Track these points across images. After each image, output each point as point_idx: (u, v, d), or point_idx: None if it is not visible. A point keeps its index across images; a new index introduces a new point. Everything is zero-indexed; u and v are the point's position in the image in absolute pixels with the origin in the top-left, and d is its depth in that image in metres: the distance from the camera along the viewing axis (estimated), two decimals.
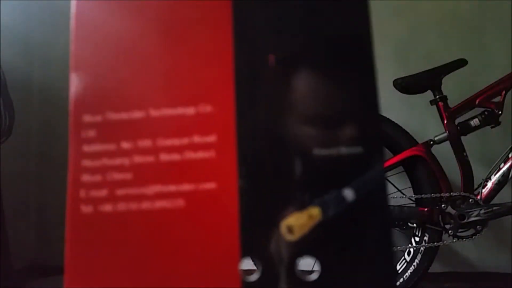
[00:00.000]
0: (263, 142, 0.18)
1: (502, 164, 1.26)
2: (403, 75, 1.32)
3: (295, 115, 0.18)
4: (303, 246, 0.17)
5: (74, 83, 0.19)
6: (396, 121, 1.30)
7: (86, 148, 0.18)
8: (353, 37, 0.19)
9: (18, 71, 1.75)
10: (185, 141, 0.18)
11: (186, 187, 0.18)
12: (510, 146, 1.26)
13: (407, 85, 1.32)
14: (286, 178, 0.18)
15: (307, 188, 0.18)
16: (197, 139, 0.18)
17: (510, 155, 1.25)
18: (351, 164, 0.18)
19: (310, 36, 0.19)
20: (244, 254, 0.17)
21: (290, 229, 0.17)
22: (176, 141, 0.18)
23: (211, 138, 0.18)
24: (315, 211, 0.17)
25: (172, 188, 0.18)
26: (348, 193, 0.18)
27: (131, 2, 0.19)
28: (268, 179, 0.18)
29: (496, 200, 1.26)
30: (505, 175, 1.24)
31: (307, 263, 0.19)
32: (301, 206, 0.18)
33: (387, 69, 1.61)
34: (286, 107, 0.18)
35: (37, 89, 1.88)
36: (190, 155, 0.18)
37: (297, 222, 0.17)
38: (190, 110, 0.18)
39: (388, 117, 1.30)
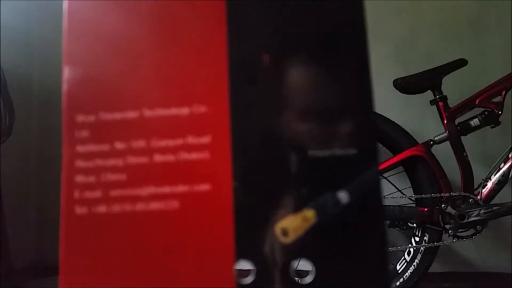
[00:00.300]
0: (258, 143, 0.18)
1: (502, 164, 1.25)
2: (403, 75, 1.32)
3: (290, 115, 0.18)
4: (298, 249, 0.17)
5: (66, 83, 0.19)
6: (396, 121, 1.30)
7: (80, 148, 0.18)
8: (347, 33, 0.18)
9: (18, 71, 1.75)
10: (179, 142, 0.18)
11: (181, 188, 0.18)
12: (510, 146, 1.26)
13: (407, 85, 1.32)
14: (281, 180, 0.18)
15: (302, 190, 0.18)
16: (191, 140, 0.18)
17: (510, 155, 1.25)
18: (346, 166, 0.18)
19: (305, 33, 0.18)
20: (239, 256, 0.17)
21: (284, 232, 0.17)
22: (170, 142, 0.18)
23: (206, 139, 0.18)
24: (309, 214, 0.17)
25: (166, 189, 0.18)
26: (343, 196, 0.17)
27: (124, 2, 0.19)
28: (263, 181, 0.18)
29: (496, 200, 1.25)
30: (505, 175, 1.24)
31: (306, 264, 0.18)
32: (296, 208, 0.18)
33: (387, 69, 1.61)
34: (281, 107, 0.18)
35: (37, 89, 1.88)
36: (185, 156, 0.18)
37: (291, 225, 0.17)
38: (184, 111, 0.18)
39: (388, 117, 1.30)
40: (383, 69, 1.64)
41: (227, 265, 0.17)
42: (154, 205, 0.18)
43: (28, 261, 1.77)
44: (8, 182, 1.59)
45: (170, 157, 0.18)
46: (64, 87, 0.19)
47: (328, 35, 0.18)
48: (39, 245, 1.82)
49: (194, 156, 0.18)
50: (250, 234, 0.17)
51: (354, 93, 0.18)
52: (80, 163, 0.18)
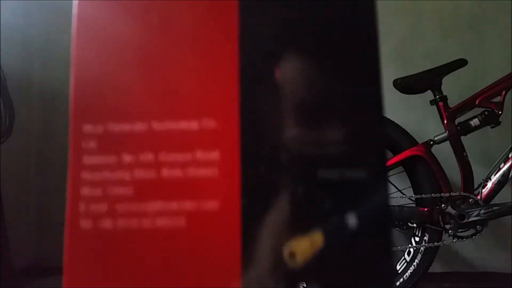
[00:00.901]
0: (267, 160, 0.18)
1: (502, 164, 1.25)
2: (403, 75, 1.32)
3: (301, 133, 0.18)
4: (305, 271, 0.17)
5: (74, 91, 0.19)
6: (396, 121, 1.30)
7: (86, 160, 0.18)
8: (360, 43, 0.18)
9: (18, 71, 1.75)
10: (187, 156, 0.18)
11: (188, 205, 0.17)
12: (510, 146, 1.26)
13: (407, 85, 1.32)
14: (290, 200, 0.18)
15: (311, 211, 0.17)
16: (200, 155, 0.18)
17: (510, 155, 1.25)
18: (356, 188, 0.17)
19: (317, 44, 0.18)
20: (245, 276, 0.17)
21: (292, 255, 0.17)
22: (178, 157, 0.18)
23: (214, 155, 0.18)
24: (317, 237, 0.17)
25: (173, 205, 0.17)
26: (351, 219, 0.17)
27: (135, 7, 0.19)
28: (271, 200, 0.18)
29: (496, 200, 1.25)
30: (505, 175, 1.24)
31: None
32: (304, 230, 0.17)
33: (387, 69, 1.60)
34: (293, 124, 0.18)
35: (37, 89, 1.88)
36: (193, 171, 0.18)
37: (299, 248, 0.17)
38: (193, 124, 0.18)
39: (388, 117, 1.30)
40: (383, 69, 1.63)
41: (232, 284, 0.17)
42: (161, 222, 0.17)
43: (28, 261, 1.77)
44: (8, 182, 1.59)
45: (178, 172, 0.18)
46: (72, 95, 0.18)
47: (340, 44, 0.18)
48: (39, 245, 1.82)
49: (203, 172, 0.17)
50: (257, 254, 0.17)
51: (365, 116, 0.18)
52: (86, 175, 0.18)
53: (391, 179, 1.38)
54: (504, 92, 1.26)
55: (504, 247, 1.56)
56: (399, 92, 1.33)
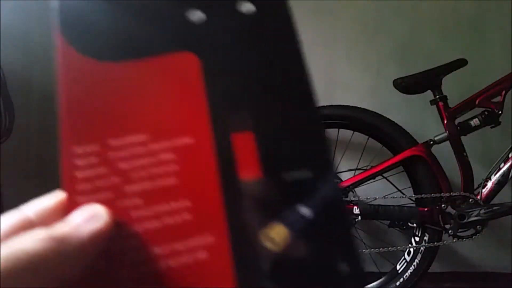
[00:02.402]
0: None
1: (502, 164, 1.26)
2: (403, 75, 1.32)
3: None
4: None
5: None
6: (396, 121, 1.30)
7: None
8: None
9: (18, 71, 1.75)
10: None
11: None
12: (510, 146, 1.26)
13: (407, 85, 1.32)
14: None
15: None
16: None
17: (510, 155, 1.25)
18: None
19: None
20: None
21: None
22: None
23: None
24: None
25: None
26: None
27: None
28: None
29: (496, 200, 1.25)
30: (505, 175, 1.24)
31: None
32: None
33: (387, 69, 1.61)
34: None
35: (37, 89, 1.88)
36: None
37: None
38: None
39: (388, 117, 1.30)
40: (383, 69, 1.64)
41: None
42: None
43: None
44: (8, 182, 1.59)
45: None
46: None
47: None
48: None
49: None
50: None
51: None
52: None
53: (391, 179, 1.38)
54: (504, 92, 1.26)
55: (504, 247, 1.56)
56: (399, 92, 1.33)
